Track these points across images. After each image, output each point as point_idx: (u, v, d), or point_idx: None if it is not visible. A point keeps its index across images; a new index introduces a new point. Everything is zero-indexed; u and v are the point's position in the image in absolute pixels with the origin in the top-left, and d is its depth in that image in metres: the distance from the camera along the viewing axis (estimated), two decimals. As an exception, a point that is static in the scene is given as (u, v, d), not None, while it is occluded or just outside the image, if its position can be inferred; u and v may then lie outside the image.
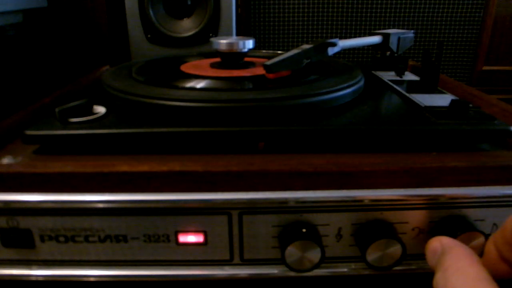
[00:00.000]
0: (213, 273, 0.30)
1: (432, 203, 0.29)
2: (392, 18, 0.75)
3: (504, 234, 0.21)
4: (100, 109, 0.34)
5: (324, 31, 0.76)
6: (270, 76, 0.39)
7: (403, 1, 0.74)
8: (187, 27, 0.63)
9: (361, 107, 0.36)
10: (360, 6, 0.74)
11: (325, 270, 0.30)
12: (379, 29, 0.71)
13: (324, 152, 0.31)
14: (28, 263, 0.30)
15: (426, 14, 0.75)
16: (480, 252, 0.23)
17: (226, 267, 0.30)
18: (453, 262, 0.20)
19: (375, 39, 0.48)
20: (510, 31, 0.78)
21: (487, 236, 0.28)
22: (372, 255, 0.28)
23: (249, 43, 0.43)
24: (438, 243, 0.22)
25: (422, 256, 0.31)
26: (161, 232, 0.29)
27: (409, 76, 0.50)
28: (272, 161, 0.29)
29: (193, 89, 0.37)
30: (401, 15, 0.75)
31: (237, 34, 0.64)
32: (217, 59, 0.46)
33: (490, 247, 0.22)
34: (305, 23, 0.75)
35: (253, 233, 0.29)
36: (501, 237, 0.21)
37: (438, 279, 0.20)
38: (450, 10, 0.74)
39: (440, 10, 0.74)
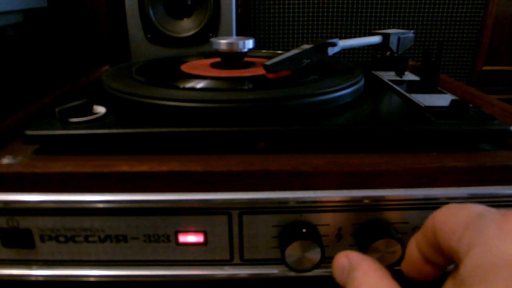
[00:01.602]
0: (213, 273, 0.30)
1: (432, 203, 0.29)
2: (392, 18, 0.75)
3: (425, 235, 0.21)
4: (100, 109, 0.34)
5: (324, 31, 0.76)
6: (270, 76, 0.39)
7: (403, 1, 0.74)
8: (187, 27, 0.63)
9: (361, 107, 0.36)
10: (360, 6, 0.74)
11: (325, 270, 0.30)
12: (379, 29, 0.71)
13: (324, 152, 0.31)
14: (28, 263, 0.30)
15: (426, 14, 0.75)
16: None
17: (226, 267, 0.30)
18: (364, 279, 0.20)
19: (375, 39, 0.48)
20: (510, 31, 0.78)
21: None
22: (372, 255, 0.28)
23: (249, 43, 0.43)
24: (345, 258, 0.22)
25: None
26: (161, 232, 0.29)
27: (409, 76, 0.50)
28: (272, 161, 0.29)
29: (193, 89, 0.37)
30: (401, 15, 0.75)
31: (237, 34, 0.64)
32: (217, 59, 0.46)
33: (412, 249, 0.22)
34: (305, 23, 0.75)
35: (253, 233, 0.29)
36: (422, 239, 0.21)
37: None
38: (450, 10, 0.74)
39: (440, 10, 0.74)
